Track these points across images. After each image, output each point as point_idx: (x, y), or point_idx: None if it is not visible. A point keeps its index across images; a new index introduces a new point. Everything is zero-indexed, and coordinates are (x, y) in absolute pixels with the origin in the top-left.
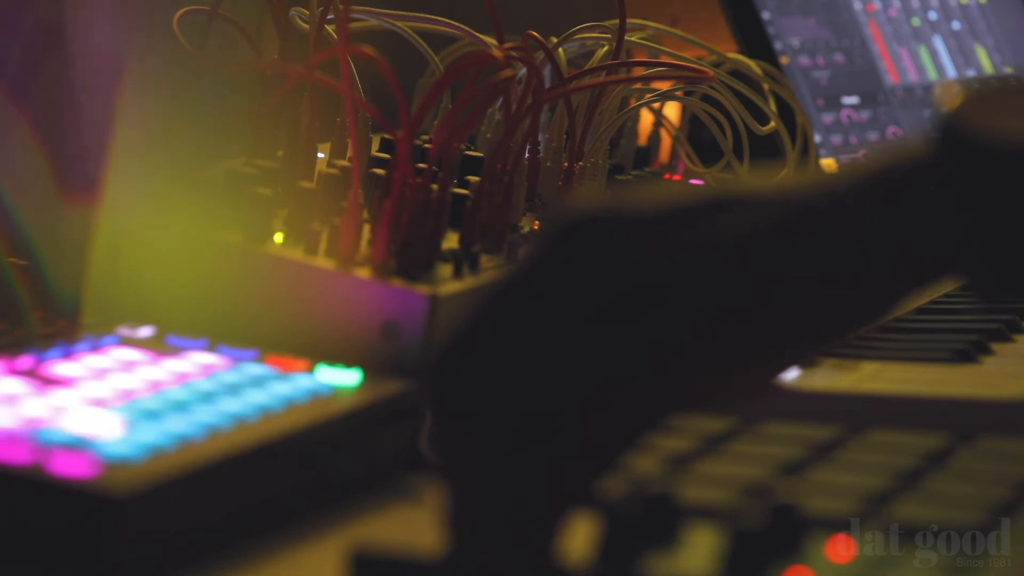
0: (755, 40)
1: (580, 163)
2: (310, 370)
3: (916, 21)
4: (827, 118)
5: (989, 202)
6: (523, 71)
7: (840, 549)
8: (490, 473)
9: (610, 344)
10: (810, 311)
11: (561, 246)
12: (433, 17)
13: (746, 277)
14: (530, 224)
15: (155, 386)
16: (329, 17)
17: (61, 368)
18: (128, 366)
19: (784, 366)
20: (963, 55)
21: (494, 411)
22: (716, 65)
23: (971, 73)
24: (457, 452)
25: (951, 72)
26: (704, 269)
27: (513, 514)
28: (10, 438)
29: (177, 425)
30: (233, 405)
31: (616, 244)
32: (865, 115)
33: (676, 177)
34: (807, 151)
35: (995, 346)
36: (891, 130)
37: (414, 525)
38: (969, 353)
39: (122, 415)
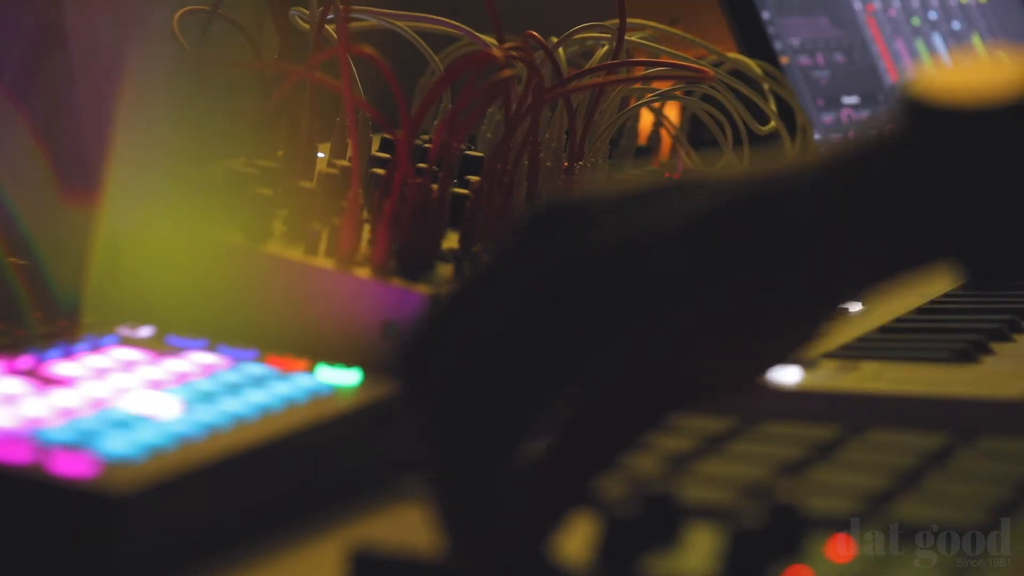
0: (755, 40)
1: (580, 163)
2: (310, 370)
3: (916, 21)
4: (827, 118)
5: (960, 168)
6: (523, 71)
7: (840, 549)
8: (447, 464)
9: (555, 330)
10: (763, 294)
11: (522, 236)
12: (433, 17)
13: (692, 259)
14: None
15: (155, 386)
16: (329, 17)
17: (61, 368)
18: (128, 366)
19: (750, 360)
20: (995, 49)
21: (449, 399)
22: (716, 65)
23: None
24: (421, 438)
25: None
26: (648, 252)
27: (480, 508)
28: (10, 438)
29: (177, 425)
30: (233, 405)
31: (569, 230)
32: (865, 115)
33: (676, 176)
34: (807, 151)
35: (995, 346)
36: None
37: (414, 525)
38: (969, 353)
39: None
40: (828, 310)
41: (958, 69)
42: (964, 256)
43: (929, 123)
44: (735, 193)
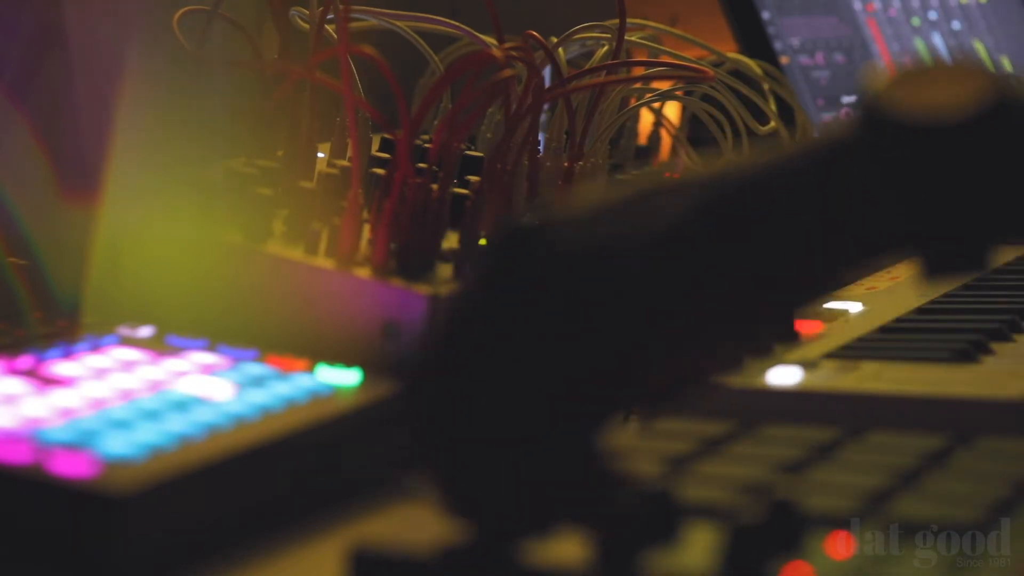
0: (755, 40)
1: (580, 163)
2: (310, 370)
3: (916, 21)
4: (827, 118)
5: (914, 177)
6: (523, 71)
7: (839, 546)
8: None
9: (572, 346)
10: (743, 293)
11: (502, 263)
12: (433, 17)
13: (678, 263)
14: None
15: (155, 386)
16: (329, 17)
17: (61, 368)
18: (128, 366)
19: (730, 355)
20: (963, 55)
21: (486, 434)
22: (716, 65)
23: None
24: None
25: None
26: (638, 261)
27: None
28: (10, 438)
29: (177, 425)
30: (233, 405)
31: (553, 250)
32: None
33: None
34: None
35: (995, 346)
36: None
37: (414, 524)
38: (969, 353)
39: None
40: (805, 302)
41: (917, 76)
42: (922, 251)
43: (883, 132)
44: (715, 193)
